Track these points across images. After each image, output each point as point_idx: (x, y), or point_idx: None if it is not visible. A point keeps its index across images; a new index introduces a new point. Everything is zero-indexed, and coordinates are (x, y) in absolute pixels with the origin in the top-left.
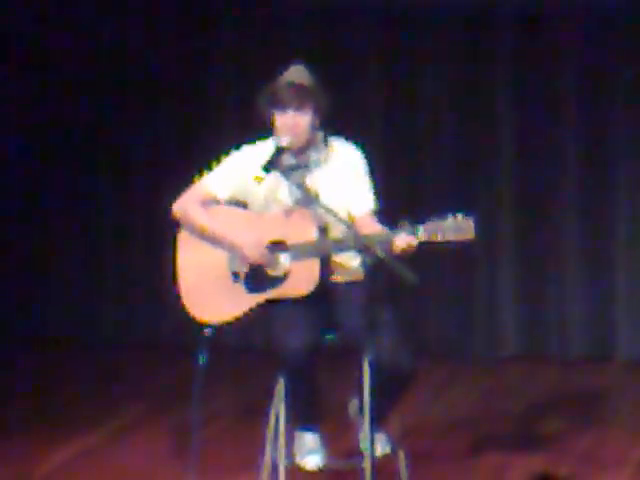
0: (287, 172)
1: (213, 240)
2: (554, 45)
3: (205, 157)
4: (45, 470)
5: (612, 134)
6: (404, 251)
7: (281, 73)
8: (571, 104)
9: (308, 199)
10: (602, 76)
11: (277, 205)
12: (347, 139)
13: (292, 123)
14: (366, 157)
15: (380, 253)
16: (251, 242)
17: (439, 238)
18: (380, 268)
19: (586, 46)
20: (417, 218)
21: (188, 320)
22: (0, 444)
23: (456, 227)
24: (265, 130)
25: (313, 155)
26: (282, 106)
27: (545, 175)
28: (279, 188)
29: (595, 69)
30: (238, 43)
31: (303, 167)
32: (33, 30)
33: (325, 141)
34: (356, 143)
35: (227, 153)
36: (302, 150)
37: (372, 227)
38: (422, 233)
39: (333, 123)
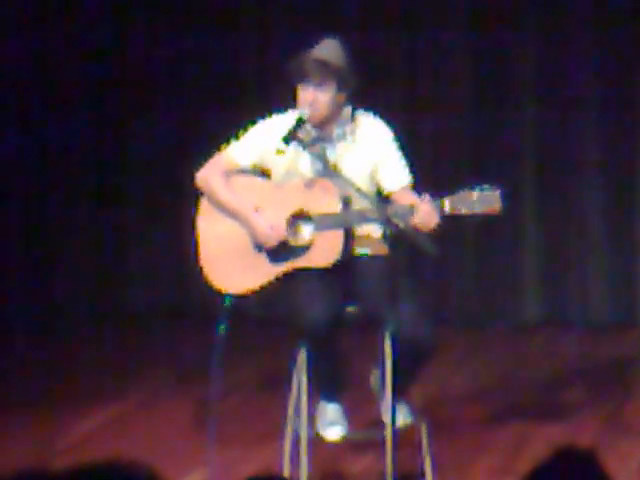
0: (307, 144)
1: (233, 217)
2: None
3: (229, 127)
4: (69, 441)
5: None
6: (426, 224)
7: (314, 45)
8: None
9: (329, 171)
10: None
11: (298, 177)
12: (377, 115)
13: (312, 98)
14: (394, 132)
15: (401, 224)
16: (269, 227)
17: (465, 211)
18: (401, 240)
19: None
20: (441, 191)
21: (212, 290)
22: (24, 415)
23: (483, 200)
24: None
25: (336, 129)
26: (304, 80)
27: (568, 143)
28: (300, 160)
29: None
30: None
31: (324, 140)
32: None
33: (352, 116)
34: (387, 121)
35: (253, 122)
36: (324, 123)
37: (410, 201)
38: (447, 206)
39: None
